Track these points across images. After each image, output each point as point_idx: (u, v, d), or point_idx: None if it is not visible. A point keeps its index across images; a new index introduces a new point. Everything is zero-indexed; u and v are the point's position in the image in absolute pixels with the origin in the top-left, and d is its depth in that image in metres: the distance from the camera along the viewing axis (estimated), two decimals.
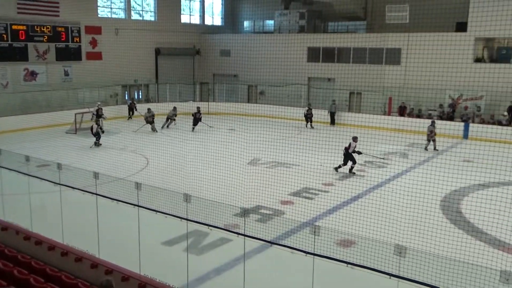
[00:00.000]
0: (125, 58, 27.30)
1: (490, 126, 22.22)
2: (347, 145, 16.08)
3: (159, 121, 23.92)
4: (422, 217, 11.12)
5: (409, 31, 25.83)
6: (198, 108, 24.53)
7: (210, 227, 9.19)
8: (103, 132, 19.98)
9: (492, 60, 25.16)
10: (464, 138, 22.61)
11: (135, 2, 31.17)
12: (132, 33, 29.39)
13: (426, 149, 20.17)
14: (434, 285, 6.99)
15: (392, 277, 6.88)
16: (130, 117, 26.52)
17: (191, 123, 23.94)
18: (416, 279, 7.03)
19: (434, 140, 20.17)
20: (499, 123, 22.75)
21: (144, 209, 8.75)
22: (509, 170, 13.70)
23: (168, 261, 9.17)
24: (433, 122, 20.41)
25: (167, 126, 24.46)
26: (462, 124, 23.21)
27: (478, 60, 25.15)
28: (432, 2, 24.54)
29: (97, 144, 19.94)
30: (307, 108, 25.95)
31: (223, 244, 9.75)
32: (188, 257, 8.09)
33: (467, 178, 13.94)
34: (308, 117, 25.66)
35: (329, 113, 26.63)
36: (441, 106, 24.99)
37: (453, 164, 17.03)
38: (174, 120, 24.48)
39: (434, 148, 20.15)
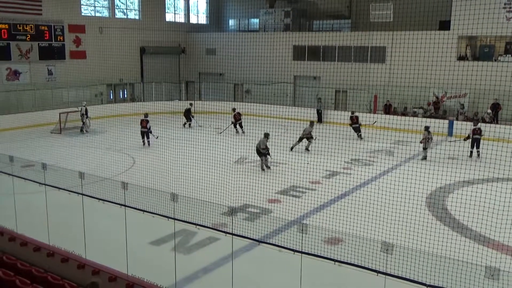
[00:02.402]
0: (109, 57, 27.10)
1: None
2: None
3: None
4: (408, 214, 11.21)
5: (393, 30, 26.03)
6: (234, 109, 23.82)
7: (198, 226, 9.18)
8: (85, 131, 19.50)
9: (475, 58, 25.47)
10: (448, 135, 22.85)
11: (119, 1, 30.92)
12: (117, 32, 29.17)
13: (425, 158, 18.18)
14: (420, 281, 7.06)
15: (379, 274, 6.93)
16: (188, 124, 24.55)
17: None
18: (403, 276, 7.09)
19: (425, 149, 18.14)
20: (483, 121, 23.05)
21: (131, 208, 8.70)
22: (493, 167, 13.89)
23: (156, 261, 9.13)
24: (427, 128, 18.39)
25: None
26: (447, 121, 23.46)
27: (461, 58, 25.45)
28: (415, 1, 24.74)
29: (149, 142, 19.88)
30: (351, 115, 22.71)
31: (211, 243, 9.74)
32: (176, 257, 8.06)
33: (452, 175, 14.12)
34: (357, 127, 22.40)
35: (316, 111, 26.75)
36: (425, 111, 25.25)
37: (438, 161, 17.21)
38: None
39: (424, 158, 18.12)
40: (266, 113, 24.35)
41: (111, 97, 30.19)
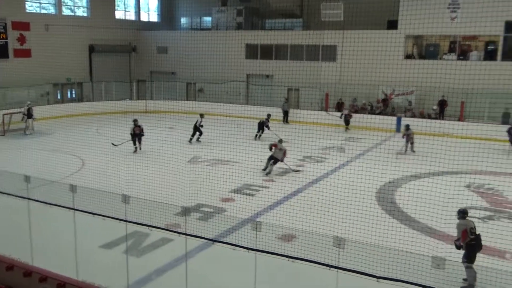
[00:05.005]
0: (56, 56, 26.22)
1: (421, 119, 23.33)
2: None
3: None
4: (359, 208, 11.49)
5: (343, 29, 26.53)
6: (268, 115, 22.35)
7: (151, 228, 9.05)
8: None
9: (421, 56, 26.36)
10: (396, 131, 23.55)
11: None
12: (64, 30, 28.25)
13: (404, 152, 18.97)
14: (372, 274, 7.27)
15: (332, 268, 7.07)
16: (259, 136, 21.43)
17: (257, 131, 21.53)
18: (354, 269, 7.27)
19: (412, 143, 18.98)
20: (429, 117, 23.92)
21: (80, 212, 8.47)
22: (438, 161, 14.43)
23: (108, 265, 8.92)
24: (407, 127, 19.18)
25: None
26: (395, 118, 24.17)
27: (408, 56, 26.28)
28: (365, 0, 25.36)
29: (198, 139, 20.36)
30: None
31: (164, 244, 9.61)
32: (128, 260, 7.91)
33: (400, 170, 14.58)
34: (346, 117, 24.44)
35: (282, 111, 26.66)
36: (372, 107, 25.97)
37: (387, 156, 17.71)
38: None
39: (411, 149, 18.97)
40: (219, 112, 24.30)
41: (59, 97, 29.23)
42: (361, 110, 25.84)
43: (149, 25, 34.94)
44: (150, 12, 35.90)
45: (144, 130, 18.57)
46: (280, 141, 16.41)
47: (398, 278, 7.25)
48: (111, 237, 9.74)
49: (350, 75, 25.30)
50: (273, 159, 15.73)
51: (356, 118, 24.11)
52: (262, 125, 21.19)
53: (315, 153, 18.40)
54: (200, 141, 20.56)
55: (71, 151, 18.00)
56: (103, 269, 8.64)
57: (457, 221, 8.44)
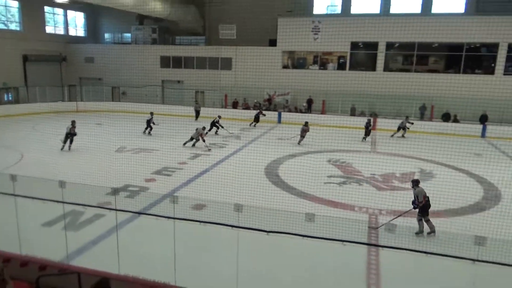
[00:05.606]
0: None
1: (295, 113, 24.38)
2: None
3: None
4: (252, 181, 11.76)
5: (236, 45, 26.73)
6: (219, 116, 20.18)
7: (85, 206, 8.47)
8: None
9: (294, 66, 27.44)
10: (278, 123, 24.36)
11: None
12: None
13: (299, 143, 17.47)
14: (263, 229, 7.50)
15: (234, 228, 7.18)
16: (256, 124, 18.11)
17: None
18: (250, 227, 7.44)
19: (303, 137, 17.40)
20: (301, 111, 25.06)
21: (21, 197, 7.66)
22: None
23: (49, 240, 8.19)
24: (306, 123, 17.75)
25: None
26: (276, 113, 24.97)
27: (284, 67, 27.21)
28: (252, 23, 25.75)
29: (150, 132, 19.15)
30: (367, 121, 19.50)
31: (98, 219, 9.04)
32: (66, 234, 7.34)
33: (282, 151, 15.12)
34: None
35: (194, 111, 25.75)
36: (260, 105, 26.45)
37: (272, 141, 18.29)
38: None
39: (298, 142, 17.44)
40: (140, 110, 23.28)
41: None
42: (254, 107, 26.31)
43: (77, 39, 32.16)
44: (78, 28, 33.05)
45: (75, 129, 16.82)
46: (204, 128, 17.32)
47: (282, 231, 7.58)
48: (51, 216, 8.95)
49: (243, 80, 25.66)
50: (191, 138, 16.78)
51: (249, 113, 24.48)
52: (214, 124, 20.09)
53: (218, 141, 18.42)
54: (151, 134, 19.37)
55: (10, 146, 16.15)
56: (45, 243, 7.93)
57: (415, 189, 8.56)
